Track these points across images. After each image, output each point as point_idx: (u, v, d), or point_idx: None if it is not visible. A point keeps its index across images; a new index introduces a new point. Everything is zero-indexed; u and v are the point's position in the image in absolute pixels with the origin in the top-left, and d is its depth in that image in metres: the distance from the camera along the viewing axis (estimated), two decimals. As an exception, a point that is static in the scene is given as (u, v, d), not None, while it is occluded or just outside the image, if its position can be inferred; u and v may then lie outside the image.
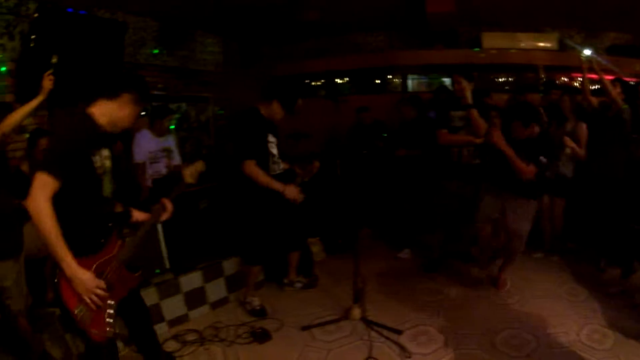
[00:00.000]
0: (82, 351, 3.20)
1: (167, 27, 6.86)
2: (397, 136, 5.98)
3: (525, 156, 4.04)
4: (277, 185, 4.04)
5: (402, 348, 3.64)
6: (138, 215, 2.86)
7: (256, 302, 4.39)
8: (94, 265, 2.40)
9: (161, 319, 3.99)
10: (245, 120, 4.16)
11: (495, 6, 6.57)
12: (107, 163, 2.56)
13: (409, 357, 3.53)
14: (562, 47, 7.68)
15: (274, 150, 4.25)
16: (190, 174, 2.93)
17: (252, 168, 3.99)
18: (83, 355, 3.21)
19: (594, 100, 5.25)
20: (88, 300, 2.32)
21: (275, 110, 4.17)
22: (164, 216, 2.87)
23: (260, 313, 4.30)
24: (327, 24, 7.49)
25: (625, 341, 3.56)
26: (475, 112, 4.59)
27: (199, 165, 2.99)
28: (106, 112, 2.49)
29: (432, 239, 5.31)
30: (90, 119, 2.45)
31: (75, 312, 2.32)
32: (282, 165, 4.35)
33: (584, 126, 5.08)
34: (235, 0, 6.18)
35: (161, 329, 3.92)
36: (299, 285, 4.89)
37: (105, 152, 2.55)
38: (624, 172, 4.96)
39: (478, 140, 4.70)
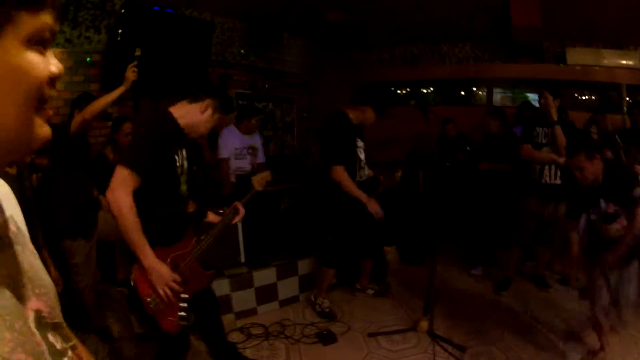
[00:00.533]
0: (143, 332, 3.39)
1: (254, 28, 7.02)
2: (481, 149, 5.83)
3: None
4: (361, 196, 4.10)
5: (463, 366, 3.57)
6: (212, 217, 2.95)
7: (326, 304, 4.44)
8: (169, 258, 2.51)
9: (230, 310, 4.14)
10: (334, 124, 4.23)
11: (580, 21, 6.28)
12: (185, 163, 2.65)
13: (469, 376, 3.45)
14: None
15: (362, 155, 4.31)
16: (258, 182, 3.03)
17: (340, 174, 4.06)
18: (142, 335, 3.38)
19: None
20: (161, 292, 2.40)
21: (369, 116, 4.24)
22: (236, 219, 2.92)
23: (329, 315, 4.35)
24: (415, 32, 7.46)
25: None
26: (559, 129, 4.41)
27: (266, 175, 3.08)
28: (185, 114, 2.60)
29: (506, 257, 5.14)
30: (172, 118, 2.56)
31: (148, 300, 2.42)
32: (367, 172, 4.40)
33: None
34: (322, 4, 6.29)
35: (228, 320, 4.06)
36: (370, 292, 4.89)
37: (184, 152, 2.65)
38: None
39: (561, 160, 4.50)
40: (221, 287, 4.04)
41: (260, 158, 5.62)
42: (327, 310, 4.40)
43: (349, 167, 4.12)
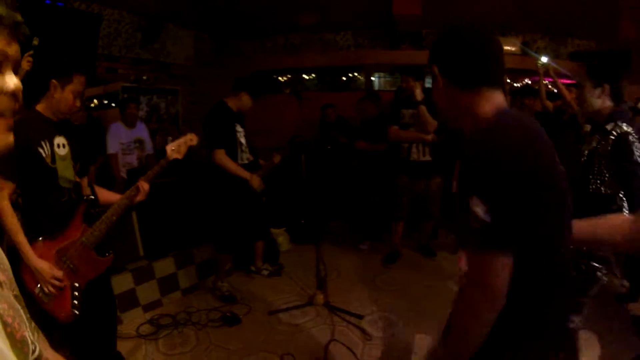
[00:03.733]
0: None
1: (141, 19, 6.91)
2: (360, 132, 6.23)
3: None
4: (244, 174, 4.31)
5: (363, 331, 3.91)
6: (111, 197, 2.87)
7: (225, 288, 4.60)
8: (56, 249, 2.53)
9: (137, 304, 4.17)
10: (214, 112, 4.39)
11: (460, 9, 6.86)
12: (62, 150, 2.61)
13: (370, 340, 3.81)
14: (525, 51, 8.01)
15: (242, 140, 4.49)
16: (174, 149, 2.85)
17: (221, 157, 4.23)
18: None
19: (550, 105, 5.49)
20: (46, 289, 2.45)
21: (245, 101, 4.43)
22: (139, 197, 2.76)
23: (230, 299, 4.51)
24: (297, 21, 7.68)
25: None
26: (423, 109, 4.87)
27: (189, 138, 2.89)
28: (46, 102, 2.59)
29: (391, 232, 5.58)
30: (36, 112, 2.58)
31: (35, 291, 2.47)
32: (248, 156, 4.58)
33: None
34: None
35: (136, 314, 4.13)
36: (265, 272, 5.11)
37: (61, 140, 2.62)
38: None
39: (428, 137, 5.00)
40: (125, 281, 4.07)
41: (149, 150, 5.62)
42: (227, 293, 4.56)
43: (230, 151, 4.31)
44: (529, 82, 7.94)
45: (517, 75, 8.16)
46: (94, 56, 5.91)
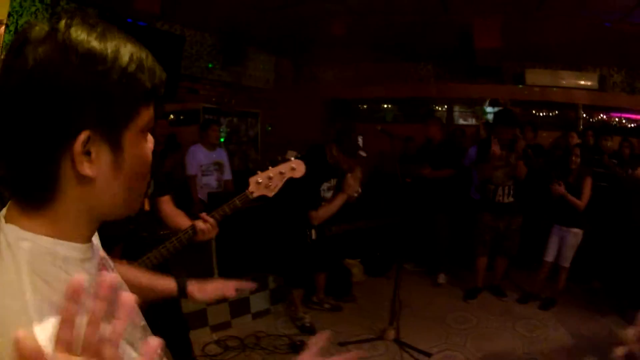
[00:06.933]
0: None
1: (223, 42, 7.13)
2: (420, 155, 6.16)
3: None
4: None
5: (430, 369, 3.81)
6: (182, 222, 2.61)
7: (307, 319, 4.56)
8: None
9: (205, 323, 4.21)
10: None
11: (539, 43, 6.68)
12: None
13: (436, 377, 3.69)
14: (602, 86, 7.71)
15: (328, 195, 4.35)
16: (261, 182, 2.28)
17: (315, 215, 4.14)
18: None
19: None
20: None
21: (335, 154, 4.25)
22: (201, 236, 2.31)
23: (310, 330, 4.42)
24: (379, 50, 7.74)
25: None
26: (522, 164, 4.95)
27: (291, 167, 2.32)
28: None
29: (465, 267, 5.56)
30: None
31: None
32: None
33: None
34: (288, 20, 6.37)
35: (204, 333, 4.16)
36: (327, 306, 5.01)
37: None
38: None
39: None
40: (196, 300, 4.10)
41: (227, 175, 5.70)
42: (307, 325, 4.51)
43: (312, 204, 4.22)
44: (604, 117, 7.63)
45: (593, 111, 7.82)
46: (177, 78, 6.04)
